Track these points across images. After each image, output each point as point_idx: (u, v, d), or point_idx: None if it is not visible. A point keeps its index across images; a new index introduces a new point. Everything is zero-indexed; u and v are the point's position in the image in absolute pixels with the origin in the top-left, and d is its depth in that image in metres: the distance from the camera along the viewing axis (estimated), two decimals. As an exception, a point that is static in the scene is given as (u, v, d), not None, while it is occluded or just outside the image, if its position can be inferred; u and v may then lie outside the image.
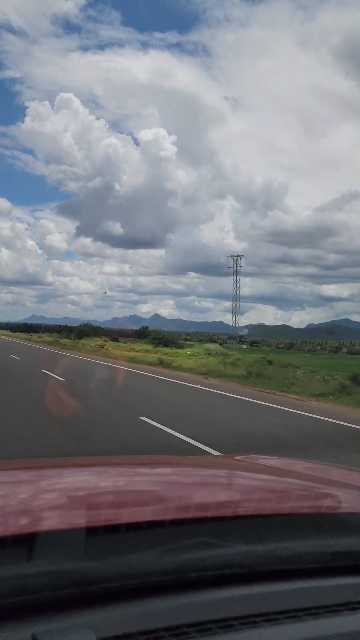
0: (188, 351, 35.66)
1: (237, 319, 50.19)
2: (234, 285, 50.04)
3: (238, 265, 50.05)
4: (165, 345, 41.63)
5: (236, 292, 49.73)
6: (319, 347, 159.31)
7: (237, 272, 49.98)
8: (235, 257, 50.71)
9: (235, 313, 49.98)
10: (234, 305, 49.84)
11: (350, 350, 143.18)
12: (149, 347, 40.84)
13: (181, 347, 42.74)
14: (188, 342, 53.23)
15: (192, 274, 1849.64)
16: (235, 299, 49.64)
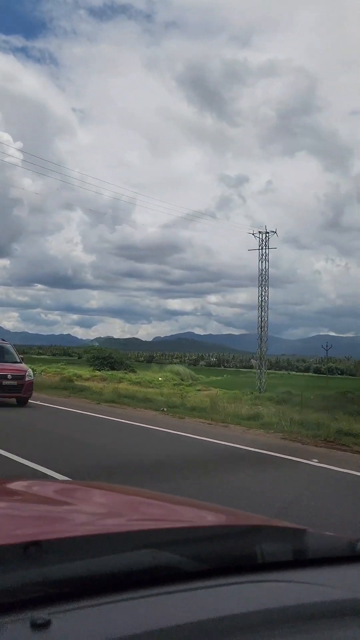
0: (159, 377, 27.32)
1: (265, 321, 31.59)
2: (261, 275, 30.90)
3: (266, 245, 31.50)
4: (112, 368, 32.08)
5: (263, 283, 30.97)
6: (177, 360, 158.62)
7: (264, 255, 31.22)
8: (262, 234, 31.59)
9: (263, 310, 31.15)
10: (261, 300, 30.99)
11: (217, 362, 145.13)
12: (85, 370, 31.17)
13: (132, 369, 33.30)
14: (126, 362, 38.75)
15: (39, 285, 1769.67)
16: (262, 293, 30.77)
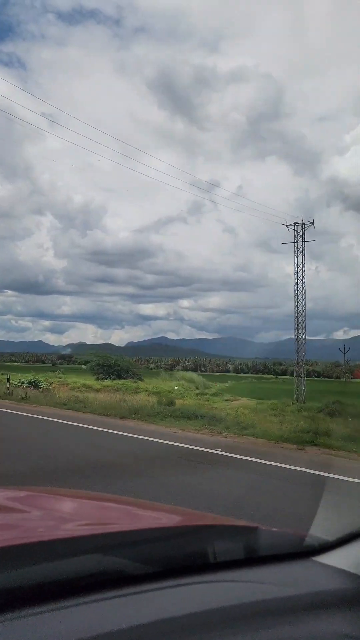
0: (175, 386, 25.92)
1: (303, 323, 26.86)
2: (297, 271, 26.44)
3: (302, 238, 26.78)
4: (119, 377, 30.36)
5: (299, 280, 26.74)
6: (153, 365, 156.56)
7: (300, 246, 26.71)
8: (297, 226, 26.59)
9: (300, 309, 26.99)
10: (297, 299, 26.76)
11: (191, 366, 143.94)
12: (89, 379, 29.58)
13: (140, 378, 31.53)
14: (132, 367, 34.77)
15: (9, 292, 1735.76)
16: (298, 291, 26.76)
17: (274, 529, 1.28)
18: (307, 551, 1.16)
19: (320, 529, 1.31)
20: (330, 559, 1.14)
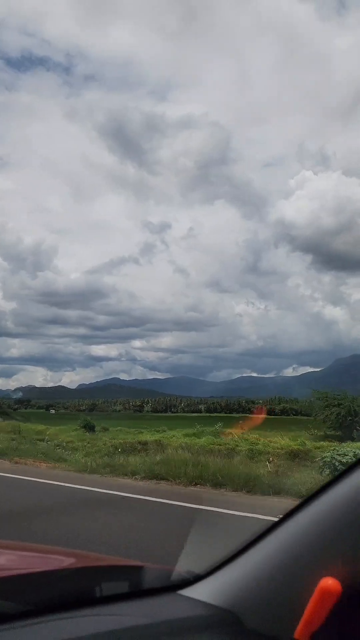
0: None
1: None
2: None
3: None
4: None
5: None
6: (121, 407, 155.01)
7: None
8: None
9: None
10: None
11: (155, 408, 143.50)
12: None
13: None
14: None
15: None
16: None
17: (146, 565, 1.37)
18: (175, 585, 1.28)
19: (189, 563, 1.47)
20: (192, 591, 1.24)
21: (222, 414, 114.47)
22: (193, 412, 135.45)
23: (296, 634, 0.99)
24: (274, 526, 1.15)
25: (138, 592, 1.26)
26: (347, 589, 0.96)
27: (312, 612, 0.98)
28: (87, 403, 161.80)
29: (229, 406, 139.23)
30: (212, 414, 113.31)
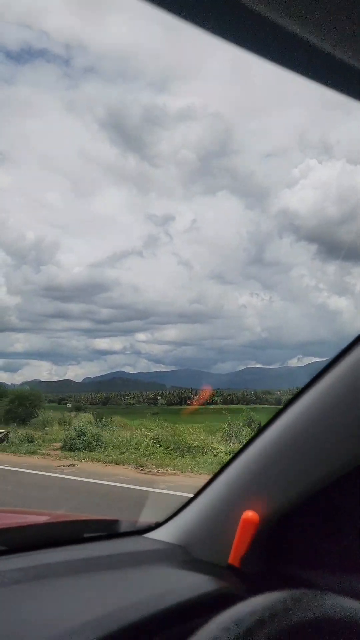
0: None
1: None
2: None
3: None
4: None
5: None
6: (134, 400, 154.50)
7: None
8: None
9: None
10: None
11: (170, 400, 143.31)
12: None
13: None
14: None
15: None
16: None
17: (120, 519, 1.58)
18: (141, 530, 1.51)
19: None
20: (154, 534, 1.47)
21: (240, 405, 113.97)
22: (209, 404, 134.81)
23: (230, 559, 1.22)
24: (217, 473, 1.35)
25: (109, 536, 1.48)
26: (264, 519, 1.18)
27: (238, 540, 1.21)
28: (100, 396, 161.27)
29: (245, 397, 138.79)
30: (229, 406, 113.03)
